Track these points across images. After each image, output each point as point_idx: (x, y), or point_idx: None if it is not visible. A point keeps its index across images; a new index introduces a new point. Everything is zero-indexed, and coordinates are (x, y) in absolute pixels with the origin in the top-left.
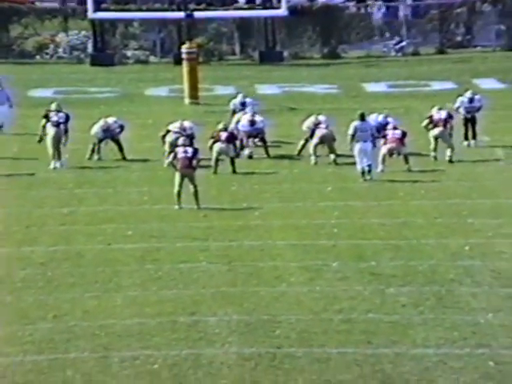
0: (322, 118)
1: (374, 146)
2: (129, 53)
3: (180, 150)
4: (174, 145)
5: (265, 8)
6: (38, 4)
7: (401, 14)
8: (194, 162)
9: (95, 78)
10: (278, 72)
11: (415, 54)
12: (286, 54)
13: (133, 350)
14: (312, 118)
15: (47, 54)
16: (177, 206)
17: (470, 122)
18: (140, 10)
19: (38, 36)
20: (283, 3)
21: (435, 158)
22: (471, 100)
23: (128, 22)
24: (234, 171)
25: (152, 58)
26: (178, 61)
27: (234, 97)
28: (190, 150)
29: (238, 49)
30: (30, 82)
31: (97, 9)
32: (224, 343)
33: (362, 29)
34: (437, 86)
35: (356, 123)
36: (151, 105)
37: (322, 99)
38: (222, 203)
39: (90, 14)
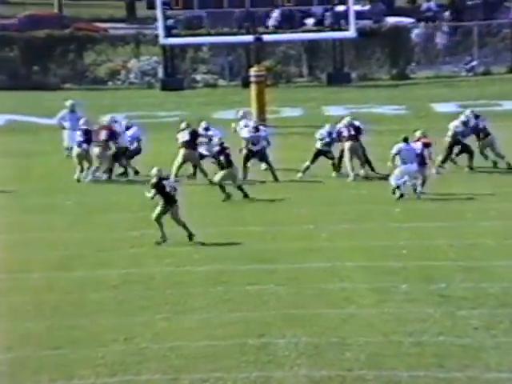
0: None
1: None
2: (198, 77)
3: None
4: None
5: (333, 30)
6: (111, 31)
7: (474, 33)
8: None
9: (165, 102)
10: (346, 93)
11: (486, 73)
12: (353, 75)
13: (203, 373)
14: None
15: (119, 79)
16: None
17: None
18: (209, 34)
19: (111, 62)
20: (352, 25)
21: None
22: None
23: (198, 47)
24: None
25: (221, 82)
26: (246, 84)
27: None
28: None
29: (305, 71)
30: (102, 107)
31: (168, 35)
32: (293, 366)
33: (431, 49)
34: (508, 105)
35: (401, 145)
36: (219, 128)
37: (389, 120)
38: (289, 225)
39: (161, 40)
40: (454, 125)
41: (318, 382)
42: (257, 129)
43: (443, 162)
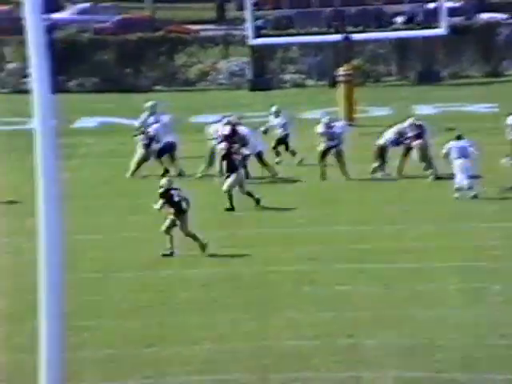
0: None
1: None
2: (286, 77)
3: None
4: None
5: (424, 28)
6: (201, 33)
7: None
8: None
9: (253, 103)
10: (436, 92)
11: None
12: (444, 73)
13: (292, 372)
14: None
15: (208, 81)
16: None
17: None
18: (298, 34)
19: (201, 64)
20: (443, 22)
21: None
22: None
23: (286, 47)
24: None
25: (309, 82)
26: (333, 83)
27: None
28: None
29: (394, 69)
30: (191, 108)
31: (257, 35)
32: (383, 367)
33: None
34: None
35: (453, 143)
36: (307, 128)
37: (481, 118)
38: (378, 225)
39: (250, 41)
40: None
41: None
42: (329, 126)
43: None
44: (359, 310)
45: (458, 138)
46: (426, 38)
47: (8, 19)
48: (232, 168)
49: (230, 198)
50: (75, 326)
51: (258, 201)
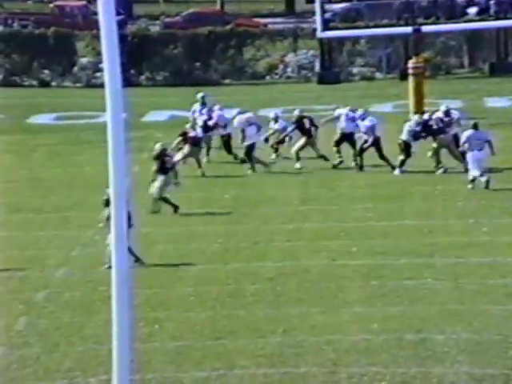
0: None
1: (493, 153)
2: (355, 70)
3: None
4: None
5: (497, 19)
6: (270, 26)
7: None
8: None
9: (321, 96)
10: (510, 84)
11: None
12: None
13: (360, 367)
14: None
15: (277, 74)
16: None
17: None
18: (367, 26)
19: (269, 57)
20: None
21: None
22: None
23: (355, 40)
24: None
25: (378, 75)
26: (403, 76)
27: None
28: None
29: (466, 62)
30: (259, 102)
31: (325, 28)
32: (453, 362)
33: None
34: None
35: (470, 132)
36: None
37: None
38: (447, 219)
39: (319, 34)
40: None
41: (480, 381)
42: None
43: None
44: (427, 304)
45: (475, 127)
46: (498, 29)
47: (81, 14)
48: (163, 170)
49: (167, 201)
50: (145, 318)
51: (175, 208)
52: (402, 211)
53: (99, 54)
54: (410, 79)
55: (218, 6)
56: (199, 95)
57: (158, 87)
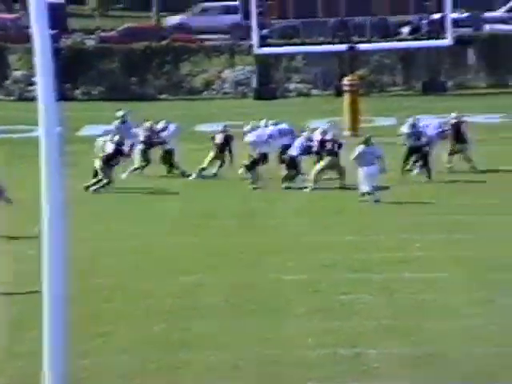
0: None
1: (383, 170)
2: (291, 86)
3: None
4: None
5: (429, 38)
6: (206, 42)
7: None
8: None
9: (258, 112)
10: (441, 103)
11: None
12: (449, 84)
13: (297, 382)
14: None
15: (214, 89)
16: None
17: None
18: (303, 43)
19: (206, 73)
20: (449, 33)
21: None
22: None
23: (291, 56)
24: None
25: (314, 91)
26: (339, 93)
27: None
28: None
29: (400, 80)
30: (196, 117)
31: (262, 44)
32: (389, 378)
33: None
34: None
35: (361, 148)
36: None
37: (485, 129)
38: (381, 234)
39: (256, 50)
40: None
41: None
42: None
43: None
44: (363, 319)
45: (366, 142)
46: (430, 49)
47: (14, 27)
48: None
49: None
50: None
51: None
52: (340, 226)
53: (32, 67)
54: (346, 96)
55: (154, 21)
56: (119, 113)
57: (94, 101)
